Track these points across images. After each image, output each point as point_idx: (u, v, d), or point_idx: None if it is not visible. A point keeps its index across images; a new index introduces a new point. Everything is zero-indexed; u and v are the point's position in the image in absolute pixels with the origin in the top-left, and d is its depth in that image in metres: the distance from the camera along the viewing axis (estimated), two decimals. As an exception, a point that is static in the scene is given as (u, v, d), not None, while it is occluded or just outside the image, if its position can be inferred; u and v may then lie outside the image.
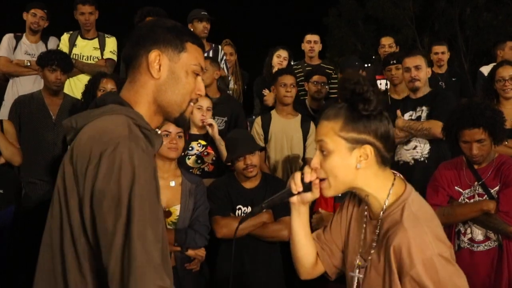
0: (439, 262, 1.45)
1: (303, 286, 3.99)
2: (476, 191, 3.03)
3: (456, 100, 4.08)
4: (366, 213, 1.70)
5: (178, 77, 1.50)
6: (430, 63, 4.61)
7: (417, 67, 3.95)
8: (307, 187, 1.64)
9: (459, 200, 3.05)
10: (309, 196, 1.67)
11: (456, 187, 3.07)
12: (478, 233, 3.00)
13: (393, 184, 1.62)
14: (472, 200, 3.02)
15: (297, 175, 1.66)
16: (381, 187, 1.61)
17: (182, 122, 1.57)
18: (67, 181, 1.35)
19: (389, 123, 1.59)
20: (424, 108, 3.90)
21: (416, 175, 3.65)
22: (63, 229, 1.35)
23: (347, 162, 1.56)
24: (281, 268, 3.41)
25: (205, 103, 3.91)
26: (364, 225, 1.70)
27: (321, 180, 1.61)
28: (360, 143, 1.55)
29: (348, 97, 1.54)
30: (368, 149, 1.56)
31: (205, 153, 3.90)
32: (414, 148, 3.89)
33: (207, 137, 3.92)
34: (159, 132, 1.53)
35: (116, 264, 1.24)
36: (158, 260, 1.26)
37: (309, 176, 1.62)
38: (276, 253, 3.39)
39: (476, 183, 3.03)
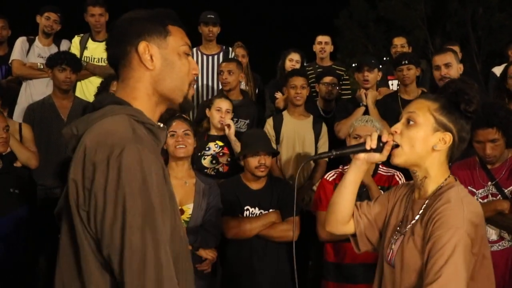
0: (461, 239, 1.55)
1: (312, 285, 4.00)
2: (490, 191, 3.00)
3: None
4: (412, 195, 1.82)
5: (172, 62, 1.48)
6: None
7: (447, 65, 3.89)
8: (380, 148, 1.75)
9: None
10: (376, 157, 1.78)
11: (469, 187, 3.03)
12: (492, 233, 2.97)
13: (449, 176, 1.77)
14: (485, 200, 2.99)
15: (375, 133, 1.78)
16: (441, 174, 1.75)
17: (187, 106, 1.55)
18: (79, 189, 1.30)
19: (469, 133, 1.76)
20: None
21: None
22: (80, 239, 1.31)
23: (428, 139, 1.71)
24: (288, 268, 3.40)
25: (225, 105, 3.98)
26: (406, 205, 1.82)
27: (395, 146, 1.73)
28: (445, 129, 1.70)
29: (452, 92, 1.71)
30: (448, 136, 1.71)
31: (221, 154, 3.94)
32: None
33: (224, 138, 3.96)
34: (161, 125, 1.52)
35: (128, 272, 1.21)
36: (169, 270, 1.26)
37: (386, 137, 1.74)
38: (283, 254, 3.38)
39: (489, 183, 3.01)
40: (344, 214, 1.92)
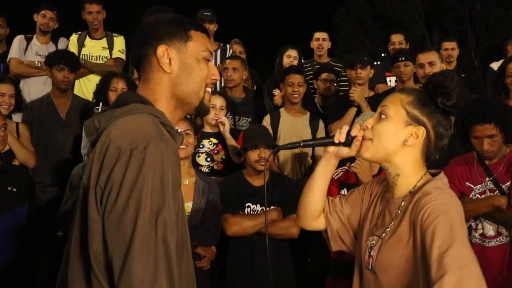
0: (455, 223, 1.45)
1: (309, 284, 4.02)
2: (487, 186, 3.01)
3: (468, 94, 4.05)
4: (387, 193, 1.73)
5: (190, 66, 1.50)
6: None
7: (431, 63, 3.94)
8: (349, 142, 1.68)
9: (470, 196, 3.03)
10: (345, 151, 1.71)
11: (467, 183, 3.05)
12: (490, 229, 2.98)
13: (425, 174, 1.66)
14: (483, 196, 3.00)
15: (345, 127, 1.70)
16: (415, 172, 1.65)
17: (204, 110, 1.56)
18: (92, 179, 1.32)
19: (450, 128, 1.65)
20: None
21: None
22: (83, 226, 1.33)
23: (398, 133, 1.61)
24: (291, 266, 3.41)
25: (218, 101, 3.95)
26: (381, 207, 1.72)
27: (365, 140, 1.65)
28: (417, 123, 1.61)
29: (431, 86, 1.61)
30: (422, 131, 1.60)
31: (215, 151, 3.92)
32: None
33: (218, 136, 3.94)
34: (179, 130, 1.54)
35: (123, 268, 1.21)
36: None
37: (356, 131, 1.66)
38: (285, 252, 3.38)
39: (487, 178, 3.01)
40: (313, 209, 1.85)
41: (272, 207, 3.34)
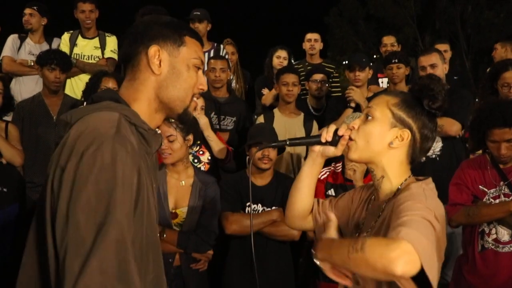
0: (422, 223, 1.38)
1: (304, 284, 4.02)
2: (502, 191, 2.92)
3: (472, 99, 4.01)
4: (372, 197, 1.73)
5: (179, 71, 1.47)
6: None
7: (432, 66, 3.90)
8: (335, 141, 1.68)
9: (484, 200, 2.94)
10: (331, 151, 1.71)
11: (480, 186, 2.97)
12: (504, 234, 2.89)
13: (409, 177, 1.66)
14: (497, 200, 2.92)
15: (333, 126, 1.70)
16: (400, 175, 1.65)
17: (186, 118, 1.54)
18: (49, 177, 1.30)
19: (435, 131, 1.65)
20: None
21: (426, 173, 3.39)
22: (44, 227, 1.30)
23: (384, 134, 1.61)
24: (292, 267, 3.39)
25: (199, 102, 3.88)
26: (367, 209, 1.72)
27: (351, 140, 1.65)
28: (403, 125, 1.61)
29: (417, 89, 1.62)
30: (407, 133, 1.61)
31: (201, 152, 3.89)
32: None
33: (201, 137, 3.86)
34: (158, 131, 1.51)
35: (78, 269, 1.16)
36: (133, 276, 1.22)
37: (343, 131, 1.66)
38: (286, 253, 3.36)
39: (501, 182, 2.93)
40: (301, 209, 1.84)
41: (273, 208, 3.30)
